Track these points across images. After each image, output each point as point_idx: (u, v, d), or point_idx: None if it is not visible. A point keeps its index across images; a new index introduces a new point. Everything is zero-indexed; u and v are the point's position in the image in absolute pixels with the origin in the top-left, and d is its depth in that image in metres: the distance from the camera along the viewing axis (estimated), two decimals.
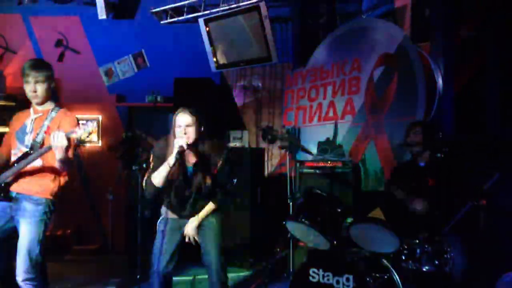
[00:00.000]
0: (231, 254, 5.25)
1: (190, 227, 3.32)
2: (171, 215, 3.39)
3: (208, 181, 3.27)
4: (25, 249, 3.09)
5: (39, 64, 3.21)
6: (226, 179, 3.34)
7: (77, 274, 5.07)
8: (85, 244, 6.22)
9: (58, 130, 3.02)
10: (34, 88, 3.18)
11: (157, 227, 3.42)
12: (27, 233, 3.12)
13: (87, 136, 3.24)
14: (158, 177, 3.21)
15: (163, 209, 3.43)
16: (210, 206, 3.34)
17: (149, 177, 3.28)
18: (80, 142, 3.37)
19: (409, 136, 3.67)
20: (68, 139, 2.98)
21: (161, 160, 3.23)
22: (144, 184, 3.33)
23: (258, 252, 5.23)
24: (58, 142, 2.95)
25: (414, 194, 3.47)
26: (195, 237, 3.32)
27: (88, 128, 2.99)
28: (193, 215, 3.35)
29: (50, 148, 3.02)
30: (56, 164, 3.12)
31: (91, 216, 6.52)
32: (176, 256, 3.34)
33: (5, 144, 3.40)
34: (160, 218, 3.45)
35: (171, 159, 3.12)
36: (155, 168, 3.26)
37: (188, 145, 3.14)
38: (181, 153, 3.13)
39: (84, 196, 6.51)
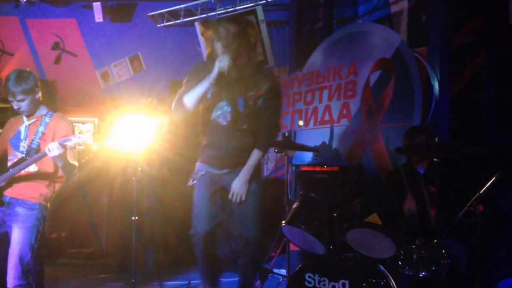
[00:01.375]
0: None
1: (238, 183, 2.83)
2: (209, 169, 2.92)
3: (251, 119, 2.76)
4: (17, 255, 3.05)
5: (17, 81, 3.09)
6: (274, 116, 2.82)
7: (72, 278, 5.04)
8: (79, 247, 6.18)
9: (52, 141, 3.03)
10: (18, 105, 3.15)
11: (195, 185, 3.03)
12: (19, 239, 3.07)
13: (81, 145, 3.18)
14: (192, 96, 2.74)
15: (199, 164, 3.01)
16: (256, 155, 2.79)
17: (180, 97, 2.85)
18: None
19: (414, 141, 3.62)
20: (64, 146, 2.97)
21: (197, 81, 2.78)
22: (173, 106, 2.91)
23: None
24: (53, 153, 2.95)
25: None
26: (243, 195, 2.84)
27: (84, 137, 2.98)
28: (235, 167, 2.85)
29: (45, 154, 3.01)
30: (61, 171, 3.14)
31: (85, 219, 6.48)
32: (217, 214, 2.94)
33: None
34: (196, 174, 3.02)
35: (212, 75, 2.64)
36: (188, 89, 2.81)
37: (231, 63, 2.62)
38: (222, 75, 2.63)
39: (78, 198, 6.47)
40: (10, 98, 3.15)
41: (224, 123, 2.85)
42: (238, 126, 2.83)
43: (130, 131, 4.35)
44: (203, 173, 2.97)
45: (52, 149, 2.94)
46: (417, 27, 4.95)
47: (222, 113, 2.86)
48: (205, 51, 6.35)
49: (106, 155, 6.01)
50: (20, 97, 3.10)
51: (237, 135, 2.84)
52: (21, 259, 3.06)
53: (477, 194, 2.97)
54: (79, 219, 6.33)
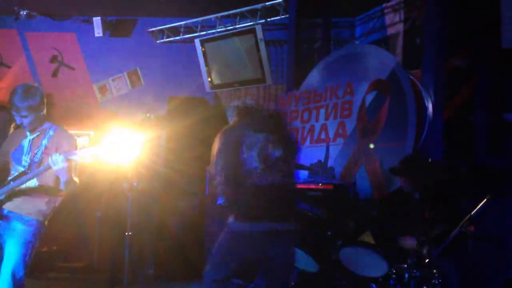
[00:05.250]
0: None
1: None
2: None
3: None
4: (10, 270, 3.00)
5: (24, 96, 3.05)
6: None
7: None
8: (70, 261, 6.13)
9: (56, 153, 3.02)
10: (20, 120, 3.11)
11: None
12: (14, 254, 3.02)
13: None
14: None
15: None
16: None
17: None
18: None
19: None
20: (68, 159, 2.95)
21: None
22: None
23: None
24: (57, 165, 2.93)
25: (408, 228, 3.46)
26: None
27: (90, 151, 2.98)
28: None
29: (48, 167, 2.99)
30: (62, 186, 3.11)
31: (77, 233, 6.43)
32: None
33: None
34: None
35: None
36: None
37: None
38: None
39: (69, 212, 6.43)
40: (14, 113, 3.10)
41: None
42: None
43: (120, 145, 4.34)
44: None
45: (56, 161, 2.92)
46: (412, 49, 5.05)
47: None
48: (204, 68, 6.41)
49: (95, 168, 6.01)
50: (24, 113, 3.06)
51: None
52: (13, 275, 3.00)
53: (469, 215, 3.00)
54: (70, 233, 6.28)
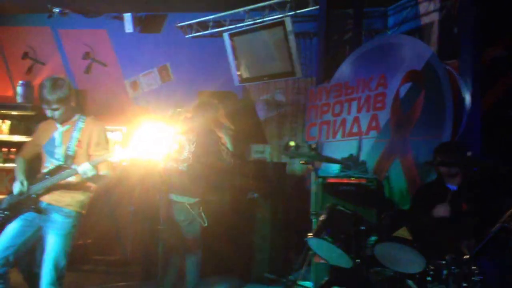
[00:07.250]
0: (250, 269, 5.21)
1: None
2: None
3: None
4: (52, 261, 3.10)
5: (52, 89, 3.10)
6: None
7: (96, 285, 5.08)
8: (104, 254, 6.23)
9: (88, 147, 3.09)
10: (52, 113, 3.18)
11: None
12: (55, 245, 3.12)
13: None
14: None
15: None
16: None
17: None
18: None
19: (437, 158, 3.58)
20: (96, 167, 3.09)
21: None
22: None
23: (277, 268, 5.17)
24: (86, 175, 3.06)
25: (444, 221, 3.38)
26: None
27: (119, 155, 3.05)
28: None
29: (76, 172, 3.10)
30: (92, 183, 3.22)
31: (111, 227, 6.54)
32: None
33: (27, 150, 3.41)
34: None
35: None
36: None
37: None
38: None
39: (103, 205, 6.53)
40: (45, 106, 3.17)
41: None
42: None
43: (151, 139, 4.37)
44: None
45: (85, 172, 3.05)
46: (448, 39, 4.88)
47: None
48: (233, 61, 6.39)
49: (127, 164, 6.07)
50: (55, 106, 3.13)
51: None
52: (56, 266, 3.10)
53: (510, 211, 2.89)
54: (104, 227, 6.38)
